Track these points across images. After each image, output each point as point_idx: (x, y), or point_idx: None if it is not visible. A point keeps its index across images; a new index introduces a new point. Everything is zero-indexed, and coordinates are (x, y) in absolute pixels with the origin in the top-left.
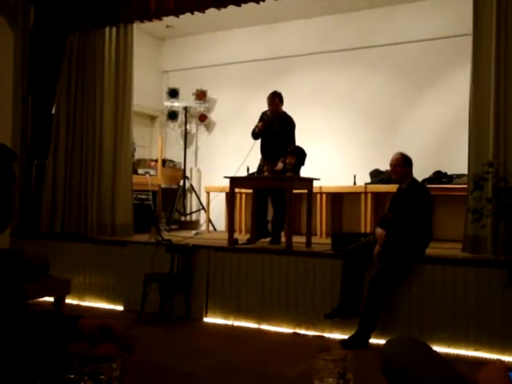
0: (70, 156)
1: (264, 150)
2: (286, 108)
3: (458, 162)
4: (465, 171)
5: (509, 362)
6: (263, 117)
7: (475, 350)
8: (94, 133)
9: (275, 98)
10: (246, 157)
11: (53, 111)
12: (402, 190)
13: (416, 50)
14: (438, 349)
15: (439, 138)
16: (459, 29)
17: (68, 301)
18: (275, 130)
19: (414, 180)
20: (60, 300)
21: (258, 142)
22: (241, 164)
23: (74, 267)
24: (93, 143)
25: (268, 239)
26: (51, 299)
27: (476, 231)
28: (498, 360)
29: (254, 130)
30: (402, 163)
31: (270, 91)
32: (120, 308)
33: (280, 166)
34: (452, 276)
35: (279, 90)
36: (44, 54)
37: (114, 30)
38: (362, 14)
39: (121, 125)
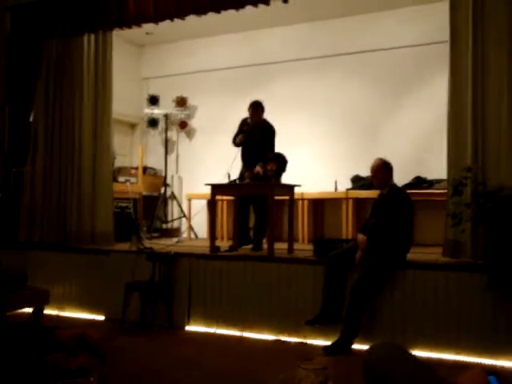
0: (49, 164)
1: (245, 157)
2: (266, 114)
3: (437, 168)
4: (444, 176)
5: (489, 365)
6: (243, 125)
7: (456, 353)
8: (73, 140)
9: (258, 109)
10: (231, 165)
11: (31, 119)
12: (382, 196)
13: (395, 56)
14: (421, 353)
15: (419, 143)
16: (437, 36)
17: (48, 311)
18: (257, 138)
19: (395, 186)
20: (38, 311)
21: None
22: (225, 172)
23: (54, 277)
24: (72, 151)
25: (250, 246)
26: (30, 310)
27: (456, 236)
28: (477, 364)
29: (234, 139)
30: (383, 169)
31: (251, 98)
32: (101, 318)
33: (258, 169)
34: (433, 280)
35: (260, 96)
36: (21, 61)
37: (92, 37)
38: (341, 21)
39: (100, 132)
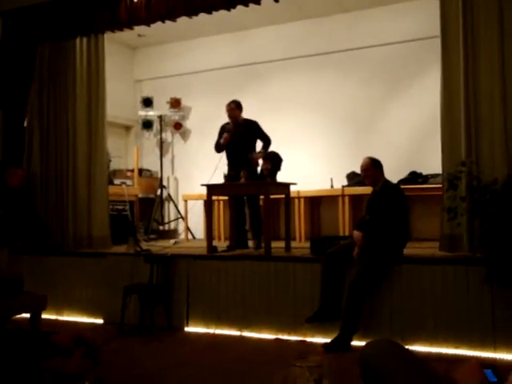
0: (44, 168)
1: (232, 157)
2: (261, 113)
3: (432, 162)
4: (439, 171)
5: (487, 358)
6: (225, 129)
7: (456, 347)
8: (68, 144)
9: (236, 107)
10: (215, 170)
11: (25, 124)
12: (376, 192)
13: (388, 52)
14: (420, 348)
15: (414, 138)
16: (430, 31)
17: (46, 316)
18: (241, 135)
19: (387, 181)
20: (36, 316)
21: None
22: (220, 172)
23: (52, 282)
24: (66, 155)
25: (246, 249)
26: (27, 315)
27: (452, 230)
28: (473, 357)
29: (217, 144)
30: (372, 167)
31: (245, 97)
32: (100, 321)
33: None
34: (430, 275)
35: (253, 95)
36: (14, 66)
37: (84, 40)
38: (333, 19)
39: (95, 136)
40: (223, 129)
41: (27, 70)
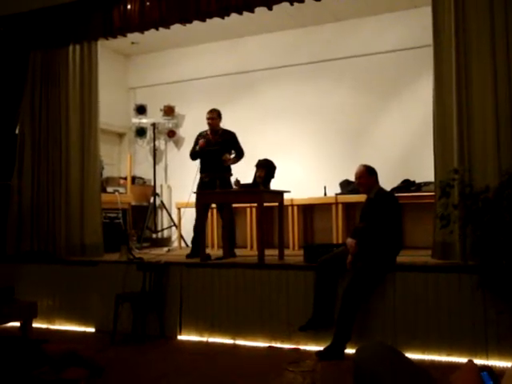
0: (37, 176)
1: (206, 165)
2: (255, 121)
3: (425, 170)
4: (432, 179)
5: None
6: (200, 137)
7: (448, 355)
8: (60, 152)
9: (215, 117)
10: (195, 177)
11: (16, 131)
12: (370, 200)
13: (380, 61)
14: (413, 355)
15: (406, 147)
16: (422, 40)
17: (37, 325)
18: (218, 144)
19: (381, 189)
20: (26, 324)
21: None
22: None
23: (43, 290)
24: (59, 162)
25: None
26: (18, 324)
27: (444, 237)
28: (469, 361)
29: (193, 151)
30: (366, 174)
31: (238, 105)
32: (92, 330)
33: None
34: (423, 283)
35: (247, 104)
36: (6, 72)
37: (77, 47)
38: (325, 28)
39: (87, 143)
40: (200, 136)
41: (19, 76)
